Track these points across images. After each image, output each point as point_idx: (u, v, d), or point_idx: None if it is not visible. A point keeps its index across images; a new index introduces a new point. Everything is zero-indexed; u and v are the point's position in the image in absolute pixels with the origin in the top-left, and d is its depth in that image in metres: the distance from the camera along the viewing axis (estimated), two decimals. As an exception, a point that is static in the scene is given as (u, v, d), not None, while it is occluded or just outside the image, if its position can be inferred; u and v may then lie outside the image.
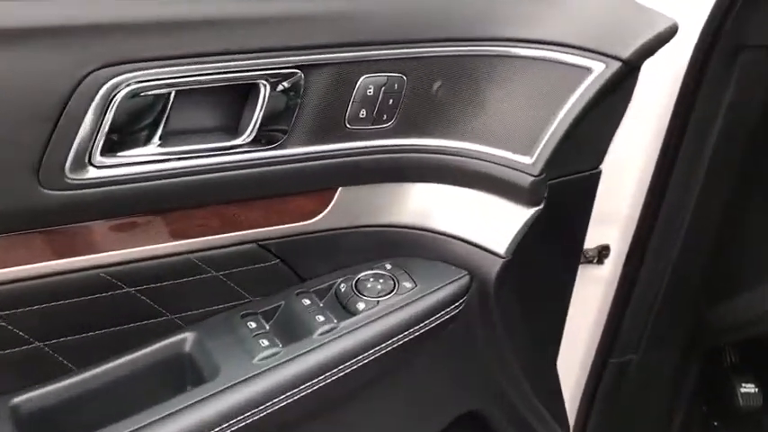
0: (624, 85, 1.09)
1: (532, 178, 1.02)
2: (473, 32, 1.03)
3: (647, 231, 1.44)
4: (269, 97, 0.93)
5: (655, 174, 1.41)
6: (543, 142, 1.03)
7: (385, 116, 1.02)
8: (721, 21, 1.25)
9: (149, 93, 0.87)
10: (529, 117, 1.04)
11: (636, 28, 1.05)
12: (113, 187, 0.88)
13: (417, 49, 1.01)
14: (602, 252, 1.48)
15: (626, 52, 1.02)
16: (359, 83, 0.98)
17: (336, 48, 0.95)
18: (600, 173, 1.18)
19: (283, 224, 1.01)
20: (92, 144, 0.85)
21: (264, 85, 0.92)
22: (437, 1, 1.02)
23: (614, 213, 1.44)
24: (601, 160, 1.16)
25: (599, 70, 1.02)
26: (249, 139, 0.94)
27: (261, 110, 0.93)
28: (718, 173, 1.40)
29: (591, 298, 1.51)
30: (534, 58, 1.04)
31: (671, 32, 1.06)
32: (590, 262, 1.47)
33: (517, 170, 1.04)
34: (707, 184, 1.40)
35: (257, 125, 0.94)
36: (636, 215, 1.46)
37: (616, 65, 1.02)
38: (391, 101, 1.02)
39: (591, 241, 1.43)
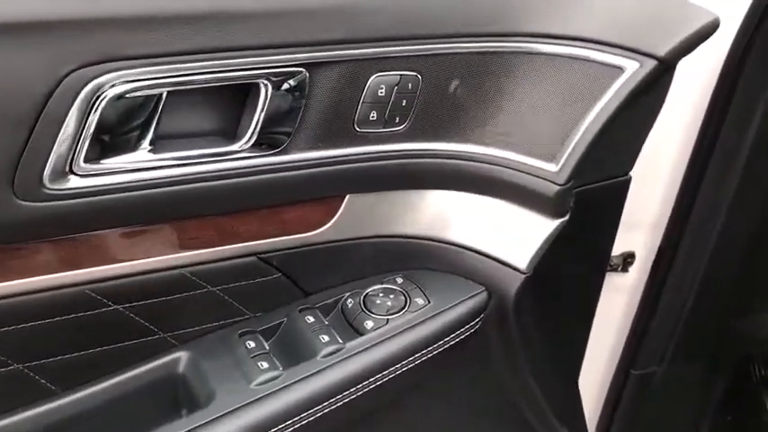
0: (659, 85, 1.00)
1: (558, 188, 0.94)
2: (494, 27, 0.94)
3: (676, 237, 1.36)
4: (271, 98, 0.84)
5: (685, 177, 1.32)
6: (570, 148, 0.94)
7: (398, 118, 0.94)
8: (761, 17, 1.16)
9: (138, 94, 0.78)
10: (555, 121, 0.96)
11: (673, 23, 0.96)
12: (98, 197, 0.80)
13: (433, 46, 0.92)
14: (627, 259, 1.40)
15: (662, 49, 0.93)
16: (369, 82, 0.90)
17: (344, 44, 0.87)
18: (630, 179, 1.09)
19: (286, 235, 0.93)
20: (73, 151, 0.77)
21: (266, 85, 0.84)
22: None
23: (640, 218, 1.36)
24: (631, 166, 1.08)
25: (632, 69, 0.94)
26: (249, 144, 0.86)
27: (262, 112, 0.85)
28: (755, 177, 1.31)
29: (614, 307, 1.43)
30: (560, 56, 0.95)
31: (711, 28, 0.97)
32: (614, 270, 1.39)
33: (541, 178, 0.95)
34: (741, 188, 1.31)
35: (258, 128, 0.85)
36: (663, 221, 1.37)
37: (651, 63, 0.93)
38: (405, 102, 0.93)
39: (615, 248, 1.35)
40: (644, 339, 1.43)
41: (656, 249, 1.40)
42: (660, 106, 1.05)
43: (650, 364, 1.46)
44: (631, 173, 1.11)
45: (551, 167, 0.94)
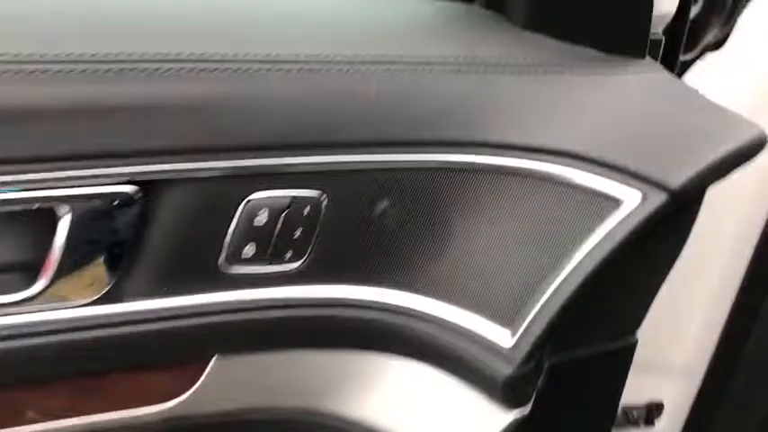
0: (676, 224, 0.71)
1: (509, 370, 0.65)
2: (438, 133, 0.66)
3: (720, 381, 1.05)
4: (78, 227, 0.57)
5: (735, 303, 1.02)
6: (534, 311, 0.65)
7: (289, 254, 0.66)
8: None
9: None
10: (517, 268, 0.67)
11: (699, 139, 0.68)
12: None
13: (346, 157, 0.65)
14: (653, 410, 1.09)
15: (677, 178, 0.64)
16: (242, 206, 0.63)
17: (202, 154, 0.61)
18: (635, 343, 0.79)
19: (116, 410, 0.67)
20: None
21: (68, 211, 0.58)
22: (383, 87, 0.66)
23: (669, 358, 1.06)
24: (637, 325, 0.78)
25: (633, 203, 0.65)
26: (44, 292, 0.60)
27: (62, 248, 0.59)
28: None
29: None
30: (531, 175, 0.67)
31: (755, 147, 0.68)
32: (634, 424, 1.08)
33: (490, 351, 0.67)
34: None
35: (55, 270, 0.59)
36: (704, 357, 1.07)
37: (660, 197, 0.64)
38: (300, 232, 0.66)
39: (637, 394, 1.05)
40: None
41: (691, 397, 1.09)
42: (680, 246, 0.75)
43: None
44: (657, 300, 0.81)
45: (504, 338, 0.65)
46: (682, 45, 0.84)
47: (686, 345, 1.07)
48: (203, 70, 0.59)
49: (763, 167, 0.99)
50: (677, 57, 0.84)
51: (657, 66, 0.75)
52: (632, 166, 0.65)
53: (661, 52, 0.81)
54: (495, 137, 0.66)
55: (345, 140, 0.64)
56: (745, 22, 1.01)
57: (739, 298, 1.05)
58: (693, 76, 1.02)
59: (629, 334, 0.78)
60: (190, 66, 0.58)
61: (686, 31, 0.83)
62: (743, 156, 0.67)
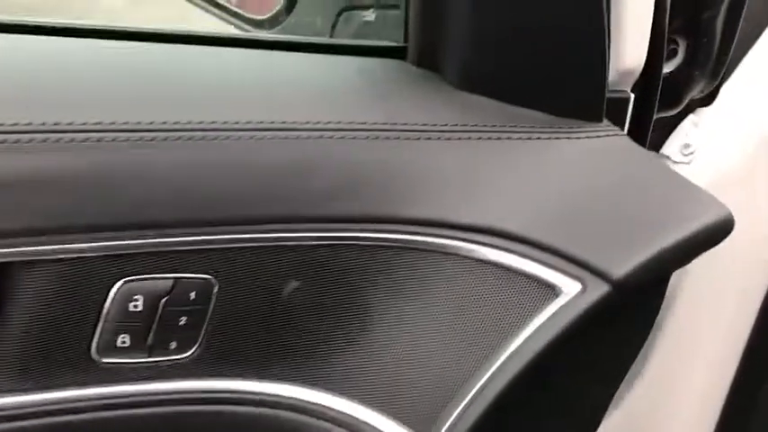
0: (627, 318, 0.62)
1: None
2: (347, 207, 0.58)
3: None
4: None
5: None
6: (454, 415, 0.57)
7: (173, 344, 0.58)
8: None
9: None
10: (439, 362, 0.58)
11: (652, 222, 0.58)
12: None
13: (238, 236, 0.57)
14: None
15: (620, 268, 0.55)
16: (114, 290, 0.55)
17: (60, 234, 0.53)
18: None
19: None
20: None
21: None
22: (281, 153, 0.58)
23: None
24: (594, 426, 0.68)
25: (571, 293, 0.56)
26: None
27: None
28: None
29: None
30: (456, 255, 0.59)
31: (718, 232, 0.59)
32: None
33: None
34: None
35: None
36: None
37: (601, 288, 0.56)
38: (186, 319, 0.58)
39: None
40: None
41: None
42: (635, 344, 0.65)
43: None
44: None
45: None
46: (655, 102, 0.75)
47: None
48: (63, 140, 0.52)
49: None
50: (651, 115, 0.75)
51: (615, 129, 0.66)
52: (571, 252, 0.57)
53: (630, 112, 0.73)
54: (415, 212, 0.58)
55: (237, 216, 0.56)
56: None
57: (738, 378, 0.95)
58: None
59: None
60: (45, 136, 0.51)
61: (659, 86, 0.73)
62: (704, 241, 0.58)
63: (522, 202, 0.59)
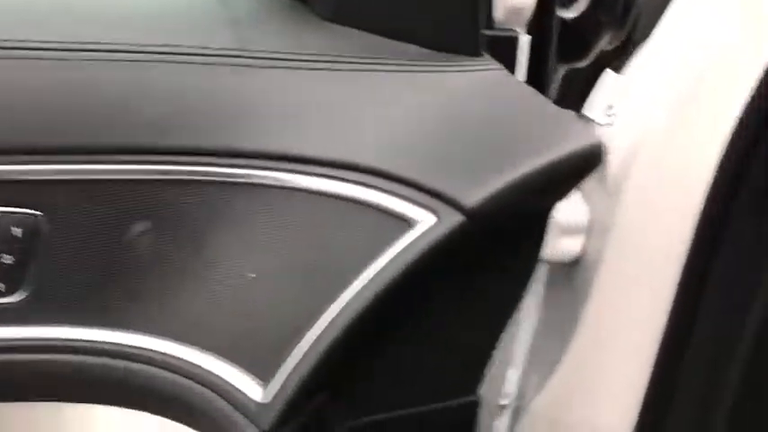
0: (506, 248, 0.57)
1: None
2: (181, 138, 0.54)
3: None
4: None
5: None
6: (296, 359, 0.53)
7: (1, 285, 0.55)
8: None
9: None
10: (282, 305, 0.54)
11: (513, 149, 0.54)
12: None
13: (64, 167, 0.53)
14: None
15: (473, 197, 0.51)
16: None
17: None
18: (477, 402, 0.65)
19: None
20: None
21: None
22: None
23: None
24: (476, 384, 0.64)
25: (425, 225, 0.52)
26: None
27: None
28: None
29: None
30: (307, 192, 0.54)
31: (588, 159, 0.55)
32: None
33: (239, 409, 0.54)
34: None
35: None
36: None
37: (454, 218, 0.52)
38: (10, 258, 0.54)
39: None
40: None
41: None
42: (522, 281, 0.61)
43: None
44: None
45: (256, 392, 0.53)
46: (550, 45, 0.71)
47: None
48: None
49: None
50: (547, 60, 0.71)
51: (494, 65, 0.62)
52: (425, 182, 0.53)
53: (526, 54, 0.69)
54: (258, 144, 0.54)
55: (60, 145, 0.52)
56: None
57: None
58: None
59: (469, 391, 0.64)
60: None
61: (552, 27, 0.70)
62: (570, 170, 0.54)
63: (379, 134, 0.55)
